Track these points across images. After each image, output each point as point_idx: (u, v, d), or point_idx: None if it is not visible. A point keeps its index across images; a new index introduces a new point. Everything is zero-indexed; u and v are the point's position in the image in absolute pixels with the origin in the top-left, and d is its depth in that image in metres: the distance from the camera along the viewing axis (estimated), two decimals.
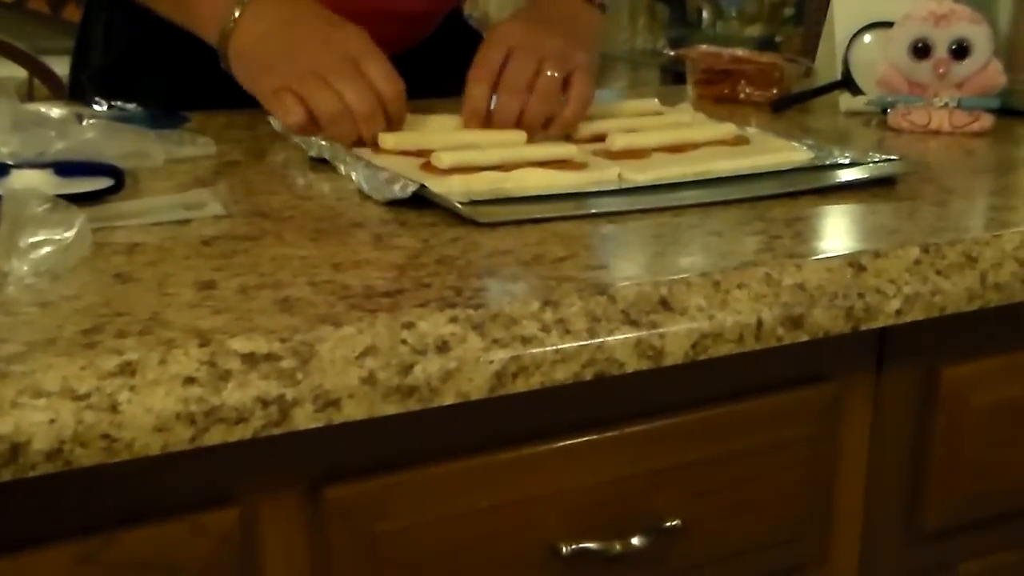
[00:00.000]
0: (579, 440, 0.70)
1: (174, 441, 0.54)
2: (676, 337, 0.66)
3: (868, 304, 0.72)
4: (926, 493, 0.85)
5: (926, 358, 0.82)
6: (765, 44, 3.44)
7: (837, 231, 0.83)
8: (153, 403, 0.53)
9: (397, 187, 0.81)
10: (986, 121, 1.17)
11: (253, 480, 0.62)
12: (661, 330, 0.65)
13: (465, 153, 0.87)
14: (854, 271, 0.72)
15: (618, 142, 0.94)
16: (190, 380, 0.54)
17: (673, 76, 3.40)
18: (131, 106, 1.05)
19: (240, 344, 0.56)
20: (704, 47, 1.46)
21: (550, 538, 0.70)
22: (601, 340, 0.64)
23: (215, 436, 0.55)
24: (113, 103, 1.05)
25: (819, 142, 1.01)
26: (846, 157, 0.95)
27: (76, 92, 1.27)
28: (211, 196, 0.82)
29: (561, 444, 0.70)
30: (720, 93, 1.37)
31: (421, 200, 0.80)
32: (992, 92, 1.18)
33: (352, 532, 0.64)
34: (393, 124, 0.93)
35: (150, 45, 1.18)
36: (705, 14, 3.83)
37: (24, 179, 0.78)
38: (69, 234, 0.67)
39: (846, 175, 0.92)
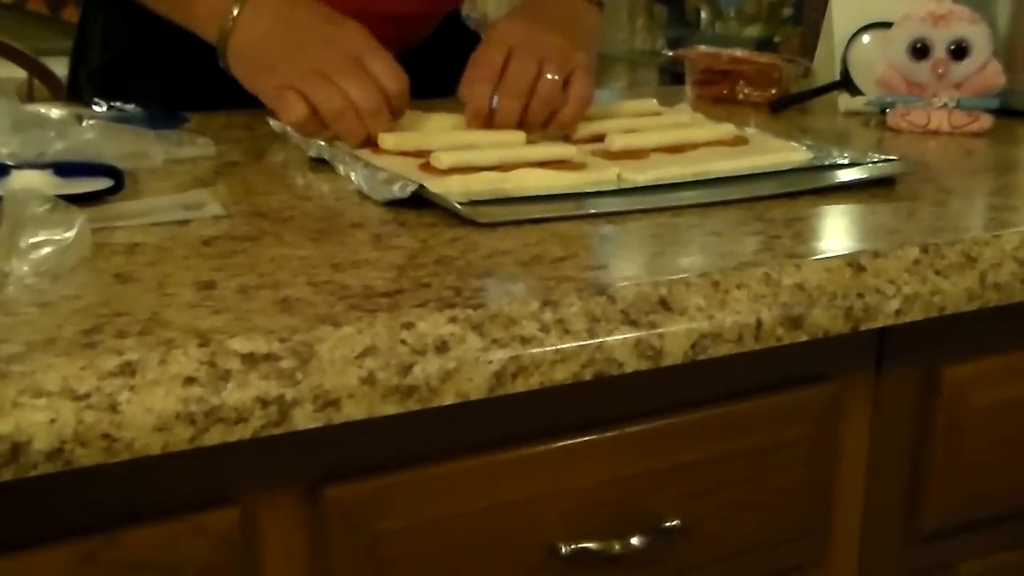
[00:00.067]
0: (578, 440, 0.70)
1: (174, 441, 0.54)
2: (675, 337, 0.66)
3: (867, 304, 0.72)
4: (926, 493, 0.85)
5: (926, 358, 0.83)
6: (764, 44, 3.44)
7: (836, 231, 0.83)
8: (153, 403, 0.53)
9: (396, 187, 0.81)
10: (985, 121, 1.17)
11: (253, 480, 0.62)
12: (660, 330, 0.65)
13: (464, 153, 0.87)
14: (853, 271, 0.72)
15: (617, 142, 0.94)
16: (190, 380, 0.55)
17: (672, 76, 3.40)
18: (130, 107, 1.05)
19: (240, 344, 0.56)
20: (703, 47, 1.46)
21: (549, 538, 0.70)
22: (600, 340, 0.64)
23: (215, 436, 0.55)
24: (112, 103, 1.05)
25: (818, 142, 1.01)
26: (845, 157, 0.95)
27: (74, 93, 1.27)
28: (210, 196, 0.82)
29: (560, 444, 0.70)
30: (719, 93, 1.37)
31: (420, 200, 0.80)
32: (991, 92, 1.19)
33: (352, 532, 0.64)
34: (396, 118, 0.94)
35: (148, 45, 1.18)
36: (704, 14, 3.83)
37: (24, 180, 0.78)
38: (69, 234, 0.67)
39: (845, 175, 0.92)
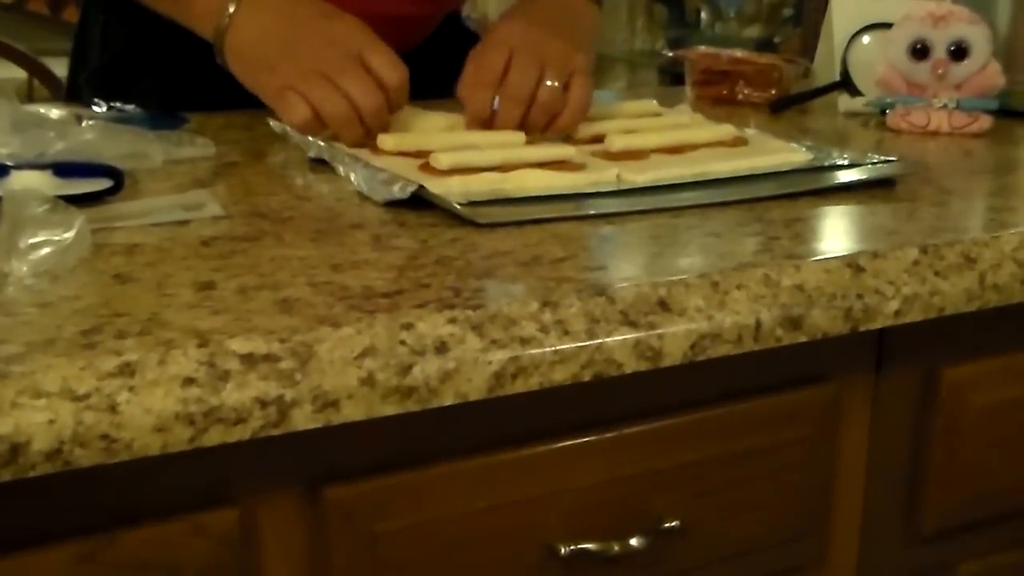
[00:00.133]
0: (578, 441, 0.70)
1: (173, 441, 0.54)
2: (675, 338, 0.66)
3: (867, 305, 0.72)
4: (925, 494, 0.85)
5: (925, 359, 0.83)
6: (764, 45, 3.43)
7: (836, 232, 0.83)
8: (152, 403, 0.53)
9: (396, 188, 0.81)
10: (985, 122, 1.17)
11: (252, 480, 0.62)
12: (660, 331, 0.65)
13: (464, 154, 0.87)
14: (853, 272, 0.72)
15: (617, 143, 0.94)
16: (189, 381, 0.55)
17: (671, 77, 3.39)
18: (130, 107, 1.05)
19: (239, 345, 0.56)
20: (703, 48, 1.46)
21: (549, 539, 0.70)
22: (600, 341, 0.64)
23: (214, 436, 0.55)
24: (112, 104, 1.05)
25: (818, 143, 1.01)
26: (845, 158, 0.95)
27: (74, 93, 1.27)
28: (210, 197, 0.82)
29: (560, 445, 0.70)
30: (719, 94, 1.37)
31: (420, 201, 0.80)
32: (991, 93, 1.19)
33: (351, 532, 0.64)
34: (394, 110, 0.94)
35: (147, 46, 1.18)
36: (704, 15, 3.83)
37: (24, 180, 0.78)
38: (68, 235, 0.67)
39: (845, 176, 0.92)
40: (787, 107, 1.30)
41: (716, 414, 0.74)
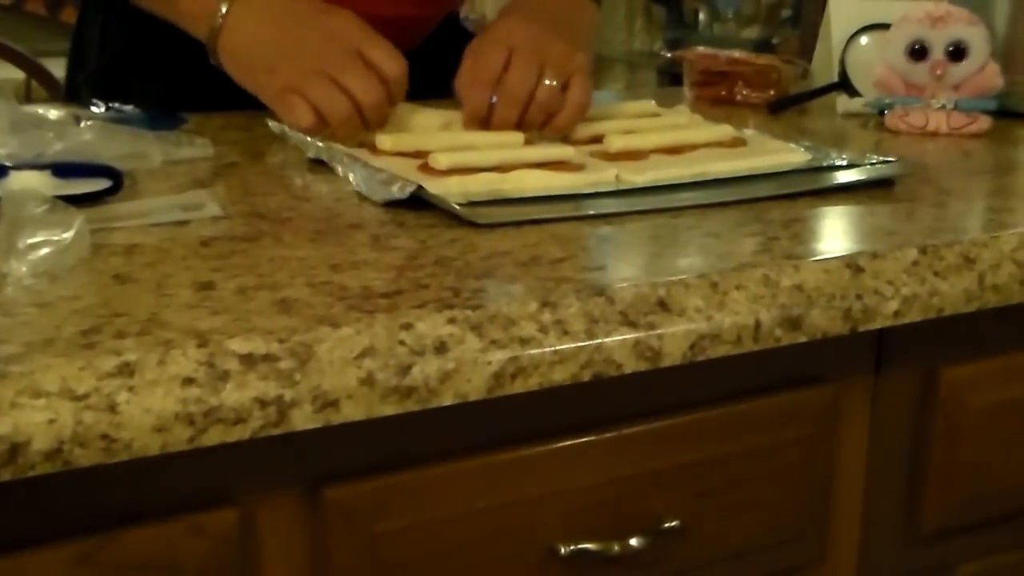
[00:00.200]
0: (577, 441, 0.70)
1: (173, 441, 0.54)
2: (674, 338, 0.66)
3: (866, 305, 0.72)
4: (924, 494, 0.85)
5: (924, 359, 0.83)
6: (762, 46, 3.44)
7: (835, 232, 0.83)
8: (152, 403, 0.53)
9: (395, 188, 0.81)
10: (983, 123, 1.17)
11: (252, 481, 0.62)
12: (659, 331, 0.65)
13: (463, 154, 0.87)
14: (852, 272, 0.72)
15: (615, 143, 0.94)
16: (189, 381, 0.54)
17: (670, 78, 3.40)
18: (129, 107, 1.05)
19: (238, 345, 0.56)
20: (701, 49, 1.46)
21: (549, 539, 0.70)
22: (599, 341, 0.64)
23: (214, 436, 0.55)
24: (111, 104, 1.05)
25: (816, 144, 1.01)
26: (843, 159, 0.95)
27: (72, 94, 1.26)
28: (209, 197, 0.82)
29: (559, 445, 0.70)
30: (717, 95, 1.37)
31: (419, 201, 0.80)
32: (989, 94, 1.19)
33: (351, 533, 0.64)
34: (393, 102, 0.95)
35: (146, 47, 1.18)
36: (702, 16, 3.83)
37: (22, 180, 0.78)
38: (67, 235, 0.67)
39: (844, 177, 0.92)
40: (786, 108, 1.30)
41: (716, 414, 0.74)
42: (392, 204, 0.81)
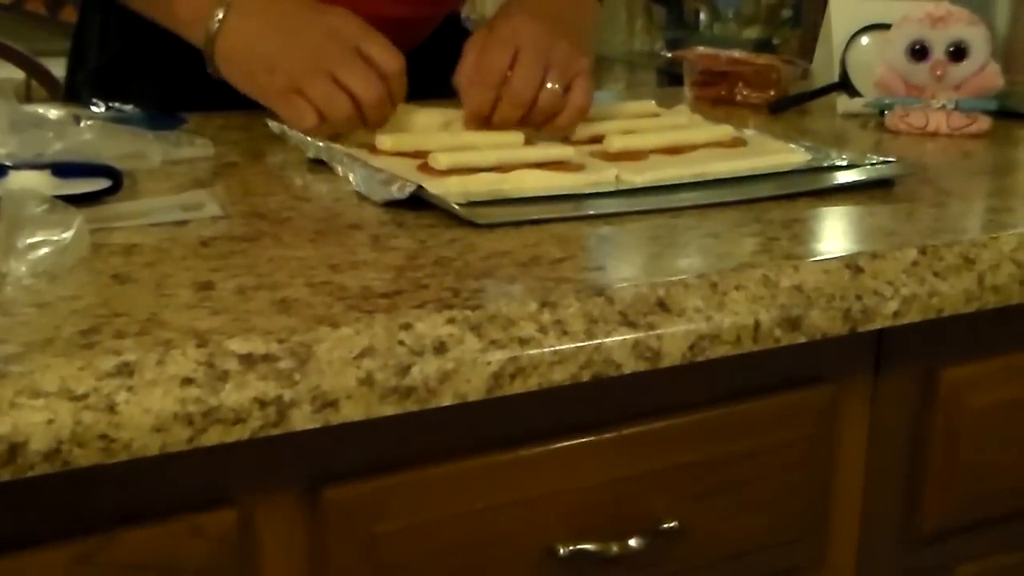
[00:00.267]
0: (577, 441, 0.70)
1: (172, 442, 0.54)
2: (674, 338, 0.66)
3: (866, 306, 0.72)
4: (924, 495, 0.85)
5: (924, 360, 0.83)
6: (762, 46, 3.44)
7: (835, 233, 0.83)
8: (151, 403, 0.53)
9: (395, 188, 0.81)
10: (984, 123, 1.17)
11: (251, 481, 0.62)
12: (659, 331, 0.65)
13: (462, 154, 0.87)
14: (852, 273, 0.72)
15: (615, 144, 0.94)
16: (188, 381, 0.54)
17: (670, 78, 3.40)
18: (128, 107, 1.05)
19: (238, 345, 0.56)
20: (701, 49, 1.46)
21: (548, 539, 0.70)
22: (599, 341, 0.64)
23: (213, 437, 0.55)
24: (110, 104, 1.05)
25: (816, 144, 1.01)
26: (843, 159, 0.95)
27: (72, 93, 1.26)
28: (209, 197, 0.82)
29: (559, 445, 0.70)
30: (717, 95, 1.37)
31: (418, 201, 0.80)
32: (989, 94, 1.19)
33: (350, 533, 0.64)
34: (395, 100, 0.95)
35: (146, 46, 1.18)
36: (702, 16, 3.83)
37: (22, 180, 0.78)
38: (67, 235, 0.67)
39: (844, 177, 0.92)
40: (786, 108, 1.30)
41: (715, 415, 0.74)
42: (392, 204, 0.81)
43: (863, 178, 0.92)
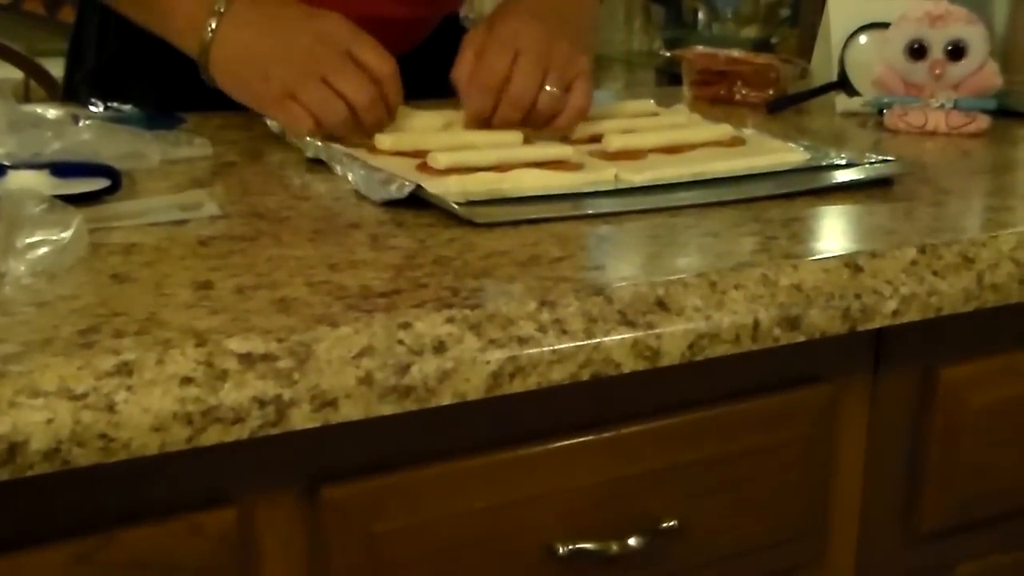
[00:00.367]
0: (576, 440, 0.70)
1: (171, 441, 0.54)
2: (673, 338, 0.66)
3: (865, 305, 0.72)
4: (923, 494, 0.85)
5: (923, 359, 0.83)
6: (761, 45, 3.44)
7: (834, 232, 0.83)
8: (150, 403, 0.53)
9: (394, 188, 0.81)
10: (982, 122, 1.17)
11: (250, 480, 0.62)
12: (658, 331, 0.65)
13: (461, 154, 0.87)
14: (851, 272, 0.72)
15: (614, 143, 0.94)
16: (187, 380, 0.54)
17: (669, 77, 3.40)
18: (127, 107, 1.05)
19: (237, 344, 0.56)
20: (700, 48, 1.46)
21: (547, 538, 0.70)
22: (598, 340, 0.64)
23: (212, 436, 0.55)
24: (109, 104, 1.05)
25: (815, 143, 1.01)
26: (842, 158, 0.95)
27: (71, 93, 1.26)
28: (207, 197, 0.82)
29: (558, 444, 0.70)
30: (716, 94, 1.37)
31: (418, 201, 0.80)
32: (988, 93, 1.19)
33: (349, 532, 0.64)
34: (390, 104, 0.95)
35: (144, 46, 1.17)
36: (701, 15, 3.83)
37: (21, 180, 0.78)
38: (66, 234, 0.67)
39: (842, 176, 0.92)
40: (784, 107, 1.30)
41: (714, 414, 0.74)
42: (391, 203, 0.81)
43: (862, 177, 0.92)
